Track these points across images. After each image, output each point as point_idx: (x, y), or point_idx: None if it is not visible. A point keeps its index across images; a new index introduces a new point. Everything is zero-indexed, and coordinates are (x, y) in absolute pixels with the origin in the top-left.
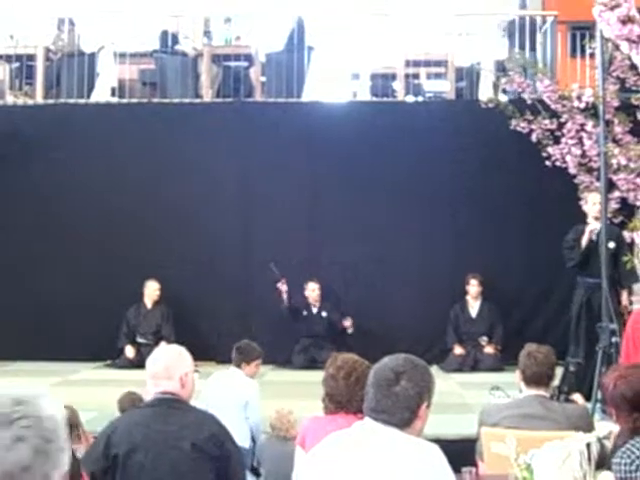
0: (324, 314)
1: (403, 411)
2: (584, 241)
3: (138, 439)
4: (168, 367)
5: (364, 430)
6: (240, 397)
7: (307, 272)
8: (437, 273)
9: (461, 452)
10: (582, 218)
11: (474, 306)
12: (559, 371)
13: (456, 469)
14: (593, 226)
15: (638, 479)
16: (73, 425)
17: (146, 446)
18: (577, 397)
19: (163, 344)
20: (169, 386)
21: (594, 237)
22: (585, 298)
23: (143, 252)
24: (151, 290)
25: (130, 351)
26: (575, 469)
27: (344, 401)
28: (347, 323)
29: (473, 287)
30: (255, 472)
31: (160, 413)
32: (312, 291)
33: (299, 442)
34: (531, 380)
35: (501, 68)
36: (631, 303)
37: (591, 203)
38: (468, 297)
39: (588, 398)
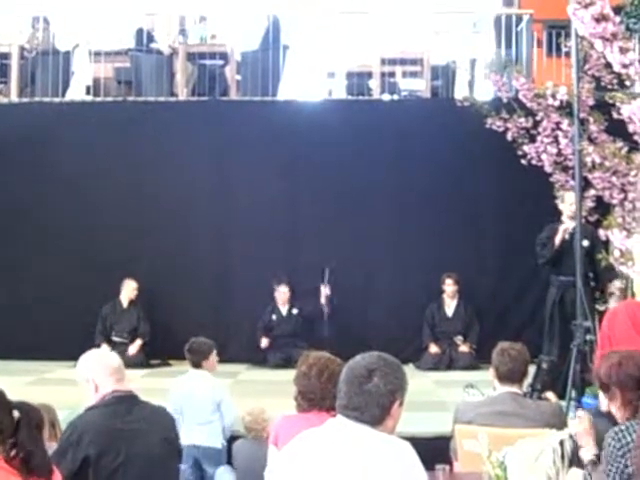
0: (294, 311)
1: (375, 408)
2: (557, 240)
3: (108, 439)
4: (121, 366)
5: (336, 427)
6: (212, 398)
7: (283, 271)
8: (413, 272)
9: (436, 450)
10: (557, 216)
11: (450, 305)
12: (532, 369)
13: (430, 467)
14: (567, 225)
15: (621, 464)
16: (50, 423)
17: (117, 445)
18: (550, 395)
19: (138, 342)
20: (123, 385)
21: (567, 236)
22: (558, 296)
23: (118, 250)
24: (129, 289)
25: (106, 349)
26: (548, 466)
27: (317, 399)
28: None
29: (449, 286)
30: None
31: (123, 411)
32: (283, 293)
33: (272, 441)
34: (505, 377)
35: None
36: (606, 302)
37: (568, 202)
38: (444, 296)
39: (562, 396)
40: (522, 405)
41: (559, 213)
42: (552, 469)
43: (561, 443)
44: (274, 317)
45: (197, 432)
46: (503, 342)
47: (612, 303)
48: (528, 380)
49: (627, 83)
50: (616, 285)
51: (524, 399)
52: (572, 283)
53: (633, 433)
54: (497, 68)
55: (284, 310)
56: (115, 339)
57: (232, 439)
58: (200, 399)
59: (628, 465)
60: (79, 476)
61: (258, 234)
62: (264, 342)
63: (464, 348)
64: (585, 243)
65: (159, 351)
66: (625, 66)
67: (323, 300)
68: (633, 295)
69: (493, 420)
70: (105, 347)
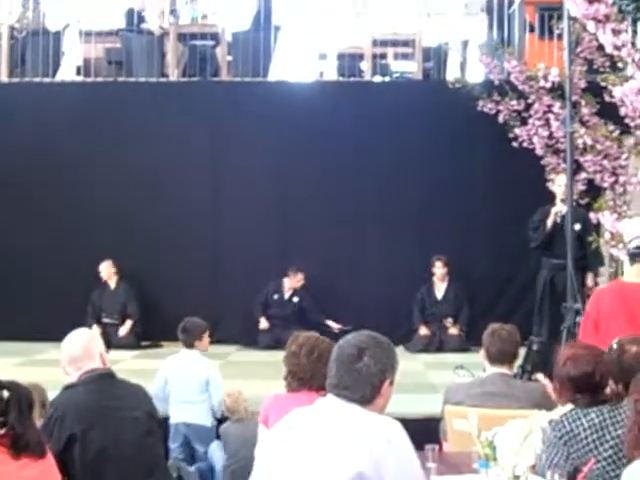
0: (295, 299)
1: (365, 387)
2: (549, 222)
3: (93, 416)
4: (87, 347)
5: (326, 406)
6: (200, 378)
7: (276, 258)
8: (403, 254)
9: (425, 431)
10: (549, 199)
11: (440, 288)
12: (523, 352)
13: (420, 447)
14: (558, 208)
15: (562, 453)
16: (41, 403)
17: (103, 422)
18: (540, 377)
19: (128, 323)
20: (94, 364)
21: (559, 219)
22: (549, 278)
23: (109, 230)
24: (107, 271)
25: (96, 331)
26: (537, 446)
27: (306, 378)
28: (333, 324)
29: (438, 269)
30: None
31: (105, 388)
32: (296, 281)
33: (262, 420)
34: (495, 358)
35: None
36: (597, 284)
37: (558, 185)
38: (434, 279)
39: (551, 377)
40: (511, 386)
41: (550, 196)
42: (541, 449)
43: (550, 423)
44: (275, 297)
45: (187, 411)
46: (494, 324)
47: (602, 286)
48: (519, 362)
49: (619, 65)
50: (605, 267)
51: (514, 380)
52: (563, 266)
53: (572, 422)
54: (489, 50)
55: (287, 294)
56: (105, 320)
57: (223, 420)
58: (190, 378)
59: (571, 452)
60: (65, 454)
61: (249, 214)
62: (262, 323)
63: (454, 330)
64: (577, 226)
65: (150, 333)
66: (617, 48)
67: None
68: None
69: (483, 401)
70: (95, 329)
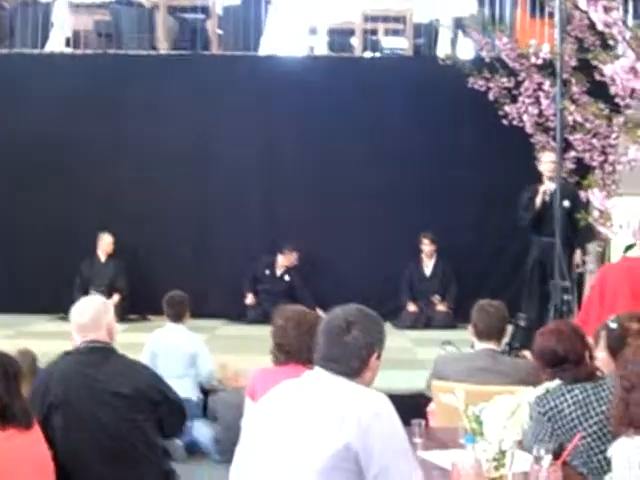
0: (287, 278)
1: (353, 360)
2: (538, 201)
3: (75, 387)
4: (96, 317)
5: (313, 379)
6: (187, 351)
7: (262, 234)
8: (391, 231)
9: (412, 407)
10: (538, 177)
11: (428, 264)
12: (510, 329)
13: (407, 423)
14: (547, 186)
15: (547, 429)
16: (31, 371)
17: (84, 394)
18: (527, 353)
19: (115, 297)
20: (98, 335)
21: (547, 197)
22: (538, 257)
23: (97, 203)
24: (104, 243)
25: (110, 303)
26: (524, 420)
27: (293, 351)
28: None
29: (425, 246)
30: (212, 418)
31: (94, 361)
32: (287, 259)
33: (249, 393)
34: (483, 334)
35: (460, 25)
36: (584, 263)
37: (544, 163)
38: (422, 255)
39: None
40: (499, 361)
41: (539, 174)
42: (528, 423)
43: (535, 399)
44: (267, 272)
45: (173, 385)
46: (482, 300)
47: (590, 265)
48: (506, 339)
49: (610, 42)
50: (593, 247)
51: (501, 355)
52: (553, 244)
53: (556, 399)
54: (479, 27)
55: (279, 271)
56: (93, 293)
57: (205, 393)
58: (176, 352)
59: (556, 428)
60: (50, 421)
61: (237, 188)
62: (249, 298)
63: (442, 307)
64: (566, 203)
65: (138, 306)
66: (608, 25)
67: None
68: (609, 258)
69: (470, 376)
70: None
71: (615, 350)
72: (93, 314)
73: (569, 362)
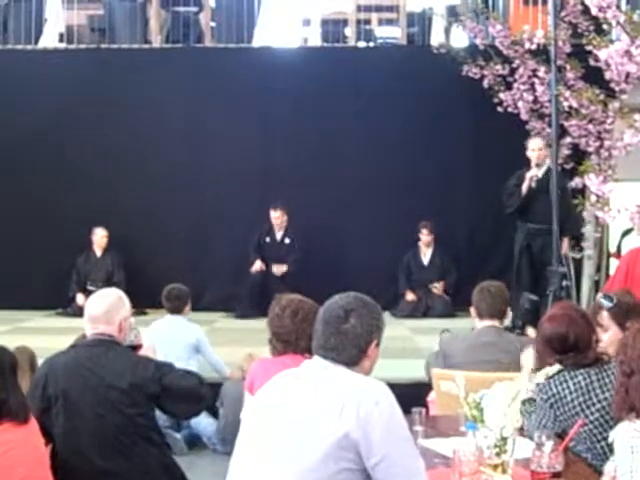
0: (287, 241)
1: (352, 349)
2: (524, 187)
3: (75, 380)
4: (109, 311)
5: (312, 368)
6: (190, 342)
7: (260, 226)
8: (389, 219)
9: (411, 396)
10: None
11: (426, 253)
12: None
13: (406, 412)
14: (533, 172)
15: (549, 415)
16: (31, 367)
17: (83, 386)
18: (530, 331)
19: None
20: (107, 329)
21: (534, 184)
22: (525, 243)
23: (92, 198)
24: (99, 237)
25: (81, 299)
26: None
27: (292, 340)
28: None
29: (424, 236)
30: (213, 413)
31: (98, 354)
32: (275, 218)
33: (247, 387)
34: (485, 313)
35: (453, 13)
36: (581, 249)
37: (531, 149)
38: (420, 244)
39: None
40: (503, 337)
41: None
42: (522, 409)
43: (537, 385)
44: (268, 239)
45: None
46: (483, 282)
47: (587, 251)
48: (506, 323)
49: (604, 27)
50: (590, 232)
51: (505, 333)
52: (540, 231)
53: (559, 385)
54: (472, 14)
55: (279, 235)
56: (90, 288)
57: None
58: (179, 343)
59: (558, 415)
60: (49, 413)
61: (233, 181)
62: (257, 265)
63: (440, 296)
64: None
65: (134, 300)
66: (602, 10)
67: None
68: (607, 243)
69: (475, 351)
70: (80, 297)
71: (624, 323)
72: (106, 307)
73: (578, 348)
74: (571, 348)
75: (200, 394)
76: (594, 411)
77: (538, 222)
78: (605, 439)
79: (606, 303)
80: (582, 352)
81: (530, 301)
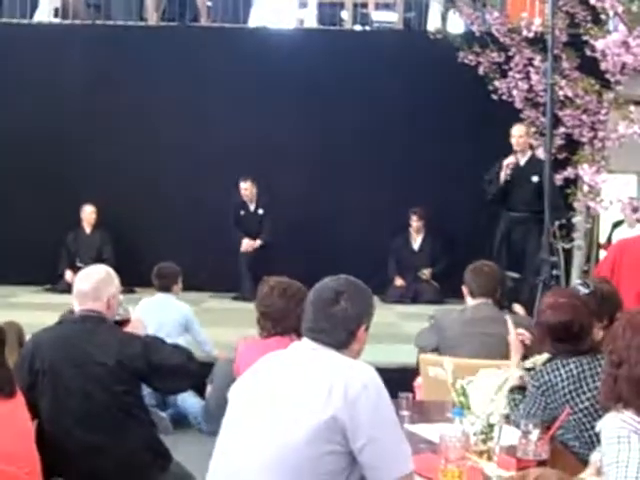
0: (260, 212)
1: (341, 332)
2: (502, 175)
3: (61, 355)
4: (97, 287)
5: (301, 350)
6: (179, 319)
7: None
8: (381, 204)
9: (399, 381)
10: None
11: (417, 239)
12: None
13: (393, 396)
14: (511, 159)
15: (540, 402)
16: (19, 342)
17: (69, 362)
18: (518, 308)
19: None
20: (95, 306)
21: (509, 171)
22: (505, 231)
23: (84, 174)
24: (87, 214)
25: (70, 275)
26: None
27: (279, 318)
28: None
29: (414, 222)
30: (199, 392)
31: (85, 330)
32: (244, 190)
33: (235, 369)
34: (478, 292)
35: None
36: (572, 240)
37: (513, 136)
38: (411, 230)
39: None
40: (499, 312)
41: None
42: (509, 397)
43: (529, 372)
44: (242, 213)
45: None
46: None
47: (577, 241)
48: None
49: (602, 17)
50: (581, 223)
51: (499, 309)
52: (521, 219)
53: (551, 373)
54: (469, 1)
55: (252, 207)
56: (79, 265)
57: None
58: (168, 321)
59: (549, 402)
60: (36, 387)
61: (226, 161)
62: (245, 244)
63: (429, 282)
64: (535, 179)
65: (124, 278)
66: None
67: None
68: (598, 234)
69: (475, 325)
70: (69, 273)
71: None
72: (95, 284)
73: (580, 337)
74: (574, 336)
75: (189, 370)
76: (584, 400)
77: (519, 210)
78: (593, 428)
79: (582, 289)
80: (582, 339)
81: (513, 279)
